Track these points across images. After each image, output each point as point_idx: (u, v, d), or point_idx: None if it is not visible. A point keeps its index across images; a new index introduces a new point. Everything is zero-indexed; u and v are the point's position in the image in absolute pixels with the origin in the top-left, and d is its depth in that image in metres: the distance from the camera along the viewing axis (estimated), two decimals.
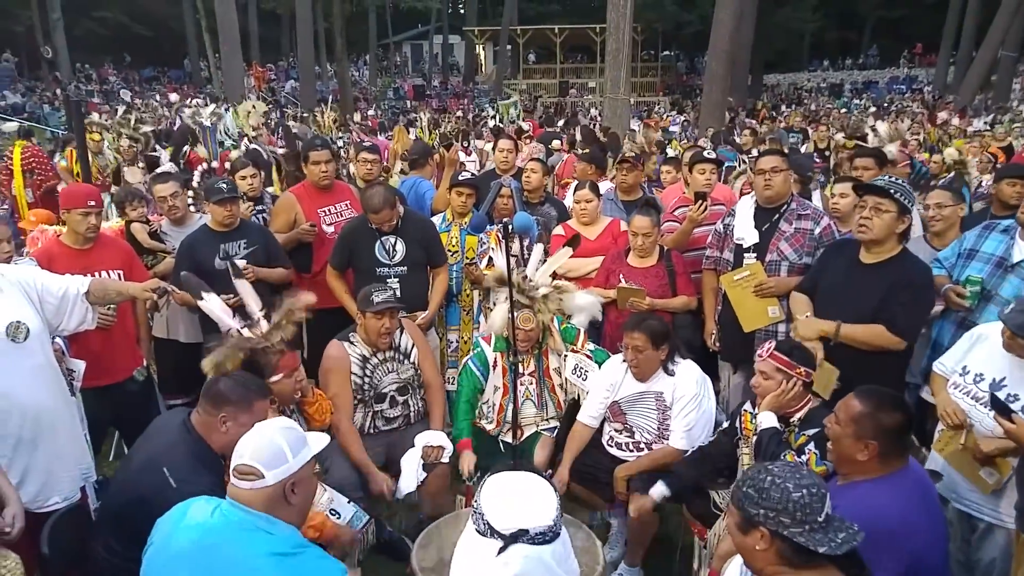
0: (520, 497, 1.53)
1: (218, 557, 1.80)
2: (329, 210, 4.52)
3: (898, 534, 1.98)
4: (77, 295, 2.79)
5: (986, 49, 22.52)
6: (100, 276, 3.48)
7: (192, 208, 4.50)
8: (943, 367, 2.82)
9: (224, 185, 3.99)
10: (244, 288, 3.12)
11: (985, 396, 2.53)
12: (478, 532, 1.51)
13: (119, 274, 3.55)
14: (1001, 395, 2.47)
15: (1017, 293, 2.98)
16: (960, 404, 2.62)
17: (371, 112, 21.85)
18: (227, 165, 6.86)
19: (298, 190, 4.71)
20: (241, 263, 3.80)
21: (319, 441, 2.03)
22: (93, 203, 3.46)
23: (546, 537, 1.48)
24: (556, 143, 8.81)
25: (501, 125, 14.70)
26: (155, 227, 4.35)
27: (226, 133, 7.50)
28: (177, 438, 2.38)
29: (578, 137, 10.45)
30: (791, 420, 2.72)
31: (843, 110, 21.97)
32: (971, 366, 2.66)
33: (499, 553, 1.46)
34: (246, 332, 2.93)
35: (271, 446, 1.87)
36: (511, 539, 1.46)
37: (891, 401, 2.17)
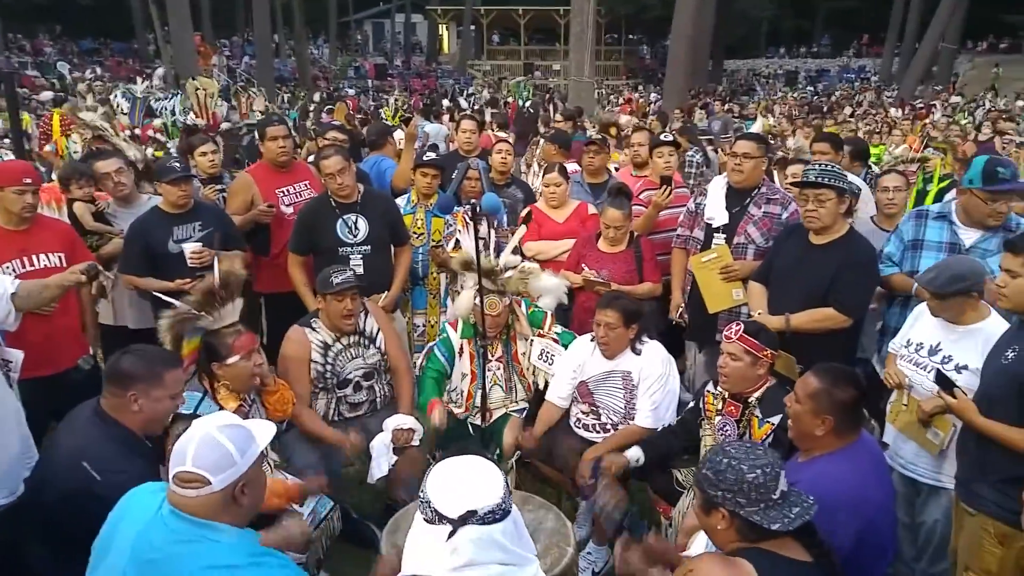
0: (465, 479, 1.50)
1: (157, 574, 1.68)
2: (288, 190, 4.40)
3: (854, 502, 2.11)
4: (3, 295, 2.62)
5: (928, 41, 23.33)
6: (38, 259, 3.29)
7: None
8: (894, 346, 2.98)
9: (177, 164, 3.82)
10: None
11: (924, 361, 2.73)
12: (426, 521, 1.48)
13: (60, 257, 3.35)
14: (937, 359, 2.68)
15: None
16: (904, 371, 2.80)
17: (350, 91, 21.39)
18: (150, 134, 6.66)
19: (254, 170, 4.58)
20: (196, 246, 3.67)
21: (265, 433, 1.86)
22: (29, 180, 3.21)
23: (496, 516, 1.46)
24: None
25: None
26: (101, 206, 4.14)
27: (172, 113, 7.22)
28: (91, 428, 2.23)
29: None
30: (749, 399, 2.78)
31: (794, 96, 22.47)
32: (913, 338, 2.84)
33: (448, 538, 1.43)
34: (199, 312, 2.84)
35: (216, 449, 1.70)
36: (459, 522, 1.43)
37: (845, 376, 2.28)
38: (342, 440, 3.15)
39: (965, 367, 2.62)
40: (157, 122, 7.01)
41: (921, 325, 2.85)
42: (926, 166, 5.55)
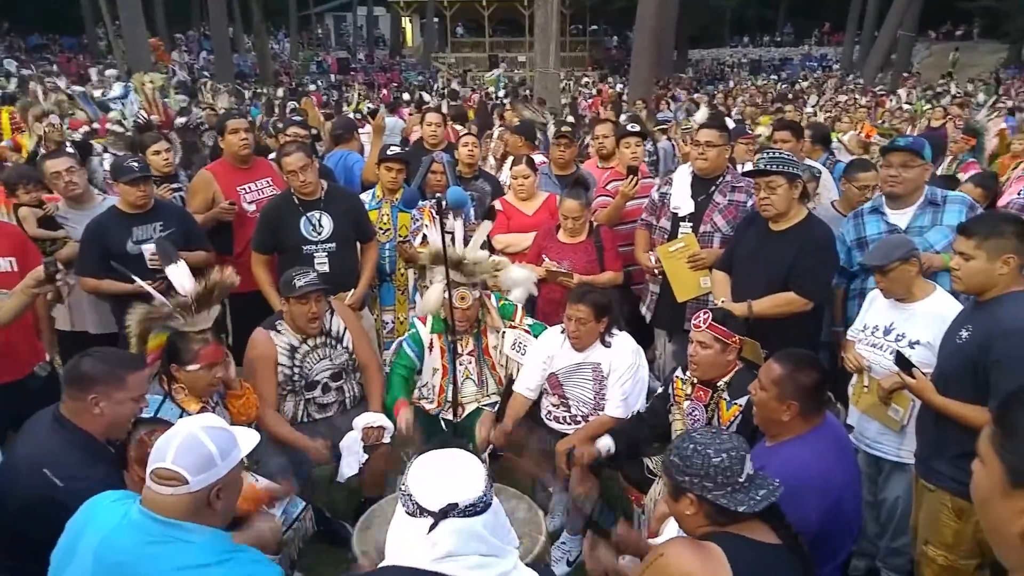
0: (447, 472, 1.51)
1: None
2: (249, 187, 4.33)
3: (820, 484, 2.15)
4: None
5: (886, 29, 23.81)
6: None
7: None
8: (852, 333, 3.06)
9: (135, 163, 3.72)
10: (178, 271, 2.94)
11: (880, 342, 2.83)
12: (408, 514, 1.49)
13: (11, 262, 3.23)
14: (892, 338, 2.79)
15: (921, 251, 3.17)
16: (862, 353, 2.88)
17: (312, 87, 21.03)
18: (108, 127, 6.51)
19: (215, 167, 4.50)
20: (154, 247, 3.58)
21: (249, 441, 1.88)
22: None
23: (476, 508, 1.47)
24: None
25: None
26: (50, 210, 4.00)
27: (122, 110, 7.00)
28: (52, 434, 2.18)
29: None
30: (718, 384, 2.82)
31: (755, 85, 22.73)
32: (868, 322, 2.94)
33: (430, 531, 1.44)
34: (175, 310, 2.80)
35: (198, 449, 1.70)
36: (441, 515, 1.44)
37: (807, 361, 2.32)
38: (307, 446, 3.11)
39: (917, 342, 2.72)
40: (112, 114, 6.81)
41: (875, 309, 2.95)
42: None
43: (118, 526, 1.71)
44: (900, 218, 3.29)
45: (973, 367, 2.29)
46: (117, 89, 7.47)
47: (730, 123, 6.86)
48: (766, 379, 2.31)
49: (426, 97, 13.10)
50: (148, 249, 3.58)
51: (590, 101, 16.82)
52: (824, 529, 2.13)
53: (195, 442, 1.70)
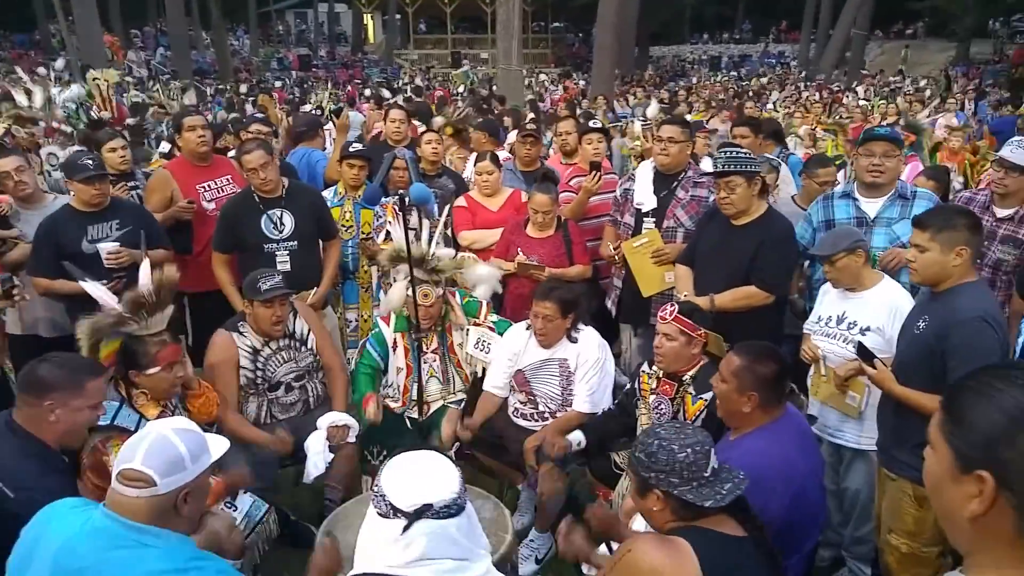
0: (421, 473, 1.49)
1: None
2: (208, 185, 4.24)
3: (783, 474, 2.18)
4: None
5: (840, 28, 24.37)
6: None
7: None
8: (807, 326, 3.12)
9: (90, 161, 3.60)
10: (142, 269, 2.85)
11: (834, 331, 2.89)
12: (380, 515, 1.45)
13: None
14: (844, 327, 2.87)
15: (887, 243, 3.26)
16: (818, 343, 2.94)
17: (277, 83, 20.64)
18: (54, 125, 6.32)
19: (173, 165, 4.40)
20: (113, 246, 3.48)
21: (219, 446, 1.85)
22: None
23: (451, 510, 1.45)
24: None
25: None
26: (4, 210, 3.85)
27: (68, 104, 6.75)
28: (2, 442, 2.11)
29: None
30: (683, 378, 2.84)
31: (716, 82, 23.07)
32: (822, 314, 3.01)
33: (403, 532, 1.41)
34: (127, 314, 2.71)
35: (168, 451, 1.66)
36: (415, 516, 1.42)
37: (766, 352, 2.35)
38: (269, 441, 3.06)
39: (868, 328, 2.80)
40: (60, 113, 6.56)
41: (827, 301, 3.03)
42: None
43: (79, 531, 1.66)
44: (871, 206, 3.34)
45: (930, 356, 2.35)
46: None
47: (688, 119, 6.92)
48: (726, 371, 2.34)
49: (385, 93, 12.97)
50: (104, 248, 3.48)
51: (557, 96, 16.91)
52: (788, 519, 2.16)
53: (165, 444, 1.67)
